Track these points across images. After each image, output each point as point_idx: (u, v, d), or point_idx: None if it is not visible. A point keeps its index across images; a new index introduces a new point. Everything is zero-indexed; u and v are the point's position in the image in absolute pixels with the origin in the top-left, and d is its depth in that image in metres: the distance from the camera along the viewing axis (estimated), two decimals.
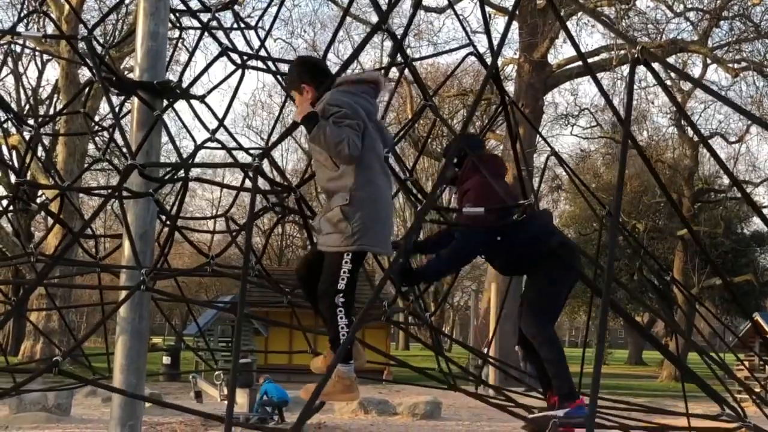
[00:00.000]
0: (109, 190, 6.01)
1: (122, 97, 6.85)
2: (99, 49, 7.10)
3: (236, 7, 8.25)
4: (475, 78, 41.92)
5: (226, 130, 7.26)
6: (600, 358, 3.71)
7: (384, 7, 6.96)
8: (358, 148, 5.12)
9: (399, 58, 6.98)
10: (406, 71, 7.34)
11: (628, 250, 38.57)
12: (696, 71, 40.86)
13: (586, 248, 38.60)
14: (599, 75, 34.35)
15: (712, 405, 6.71)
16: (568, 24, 34.55)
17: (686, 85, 39.32)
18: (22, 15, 7.47)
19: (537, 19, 32.74)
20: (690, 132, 41.84)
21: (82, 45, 6.07)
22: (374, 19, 30.33)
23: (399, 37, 6.76)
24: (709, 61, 38.35)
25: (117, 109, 6.80)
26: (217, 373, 15.07)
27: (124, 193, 5.66)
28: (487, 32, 6.41)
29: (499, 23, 36.95)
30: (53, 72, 67.81)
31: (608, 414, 6.39)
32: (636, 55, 4.15)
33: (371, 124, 5.36)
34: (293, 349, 27.79)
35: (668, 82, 35.11)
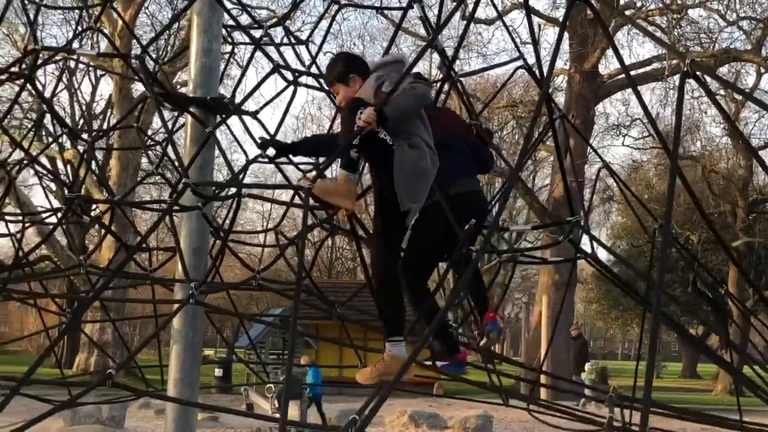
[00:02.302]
0: (161, 205, 6.09)
1: (176, 113, 6.94)
2: (152, 65, 7.21)
3: (287, 21, 8.33)
4: (524, 89, 41.65)
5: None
6: (652, 369, 3.68)
7: (432, 19, 6.99)
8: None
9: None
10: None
11: (682, 263, 38.12)
12: (750, 80, 40.35)
13: (639, 260, 38.30)
14: (651, 85, 34.12)
15: None
16: (619, 34, 34.41)
17: (738, 95, 38.90)
18: (77, 32, 7.62)
19: (587, 30, 32.54)
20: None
21: (135, 61, 6.16)
22: (422, 31, 30.37)
23: (447, 50, 6.77)
24: (762, 70, 37.89)
25: (171, 124, 6.88)
26: (268, 386, 15.14)
27: (175, 208, 5.74)
28: (536, 52, 6.36)
29: (548, 33, 36.78)
30: (107, 87, 68.67)
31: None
32: (686, 69, 4.12)
33: None
34: (343, 363, 27.85)
35: (721, 92, 34.74)
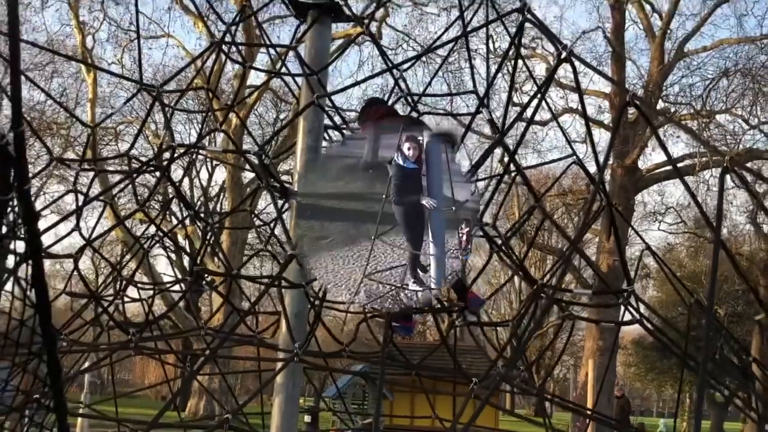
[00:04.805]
0: (270, 279, 6.14)
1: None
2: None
3: None
4: (573, 179, 41.52)
5: None
6: (698, 427, 3.56)
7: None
8: None
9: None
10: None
11: (711, 333, 37.05)
12: None
13: (670, 332, 37.29)
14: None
15: None
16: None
17: (762, 187, 38.26)
18: (203, 131, 7.87)
19: (628, 131, 32.58)
20: (766, 228, 40.66)
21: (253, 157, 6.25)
22: (486, 129, 30.55)
23: (508, 146, 6.78)
24: None
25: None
26: None
27: (283, 282, 5.80)
28: (595, 154, 6.28)
29: (594, 133, 36.61)
30: (220, 174, 70.19)
31: None
32: (725, 165, 4.10)
33: None
34: (414, 413, 27.55)
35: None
